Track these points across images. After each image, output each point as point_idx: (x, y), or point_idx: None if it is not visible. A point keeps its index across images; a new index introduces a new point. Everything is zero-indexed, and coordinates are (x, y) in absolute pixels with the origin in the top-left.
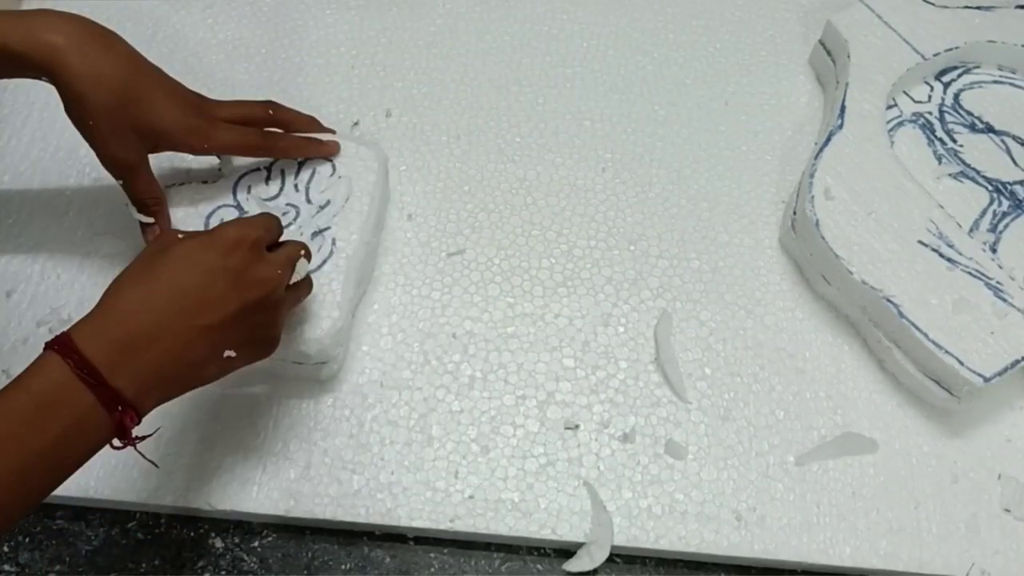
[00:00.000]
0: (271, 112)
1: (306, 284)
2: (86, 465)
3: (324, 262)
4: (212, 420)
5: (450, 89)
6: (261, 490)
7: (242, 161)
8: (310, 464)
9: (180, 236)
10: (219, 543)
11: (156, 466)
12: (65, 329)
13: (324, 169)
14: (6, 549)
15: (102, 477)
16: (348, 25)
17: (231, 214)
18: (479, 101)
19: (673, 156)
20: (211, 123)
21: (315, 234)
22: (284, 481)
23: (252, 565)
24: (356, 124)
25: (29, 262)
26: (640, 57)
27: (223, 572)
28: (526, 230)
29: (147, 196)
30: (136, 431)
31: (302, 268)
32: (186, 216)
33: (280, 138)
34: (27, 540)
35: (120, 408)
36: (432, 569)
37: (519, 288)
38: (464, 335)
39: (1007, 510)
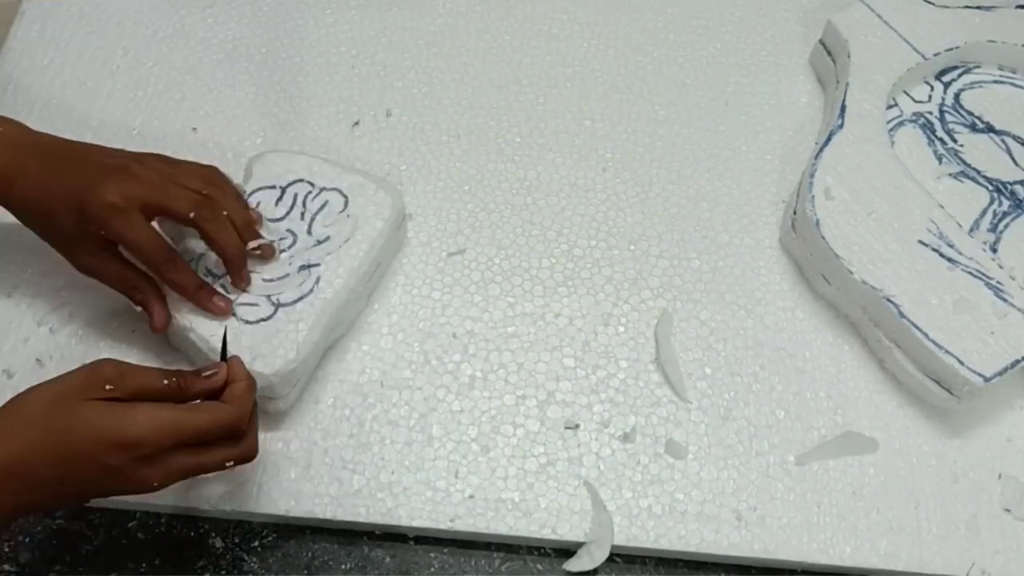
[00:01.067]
0: (205, 193)
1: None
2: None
3: (300, 298)
4: None
5: (450, 89)
6: (261, 490)
7: (259, 178)
8: (310, 464)
9: (107, 387)
10: (219, 543)
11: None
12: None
13: (336, 203)
14: (6, 549)
15: None
16: (348, 25)
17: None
18: (479, 101)
19: (673, 156)
20: (161, 183)
21: (302, 268)
22: (284, 481)
23: (252, 565)
24: (356, 124)
25: (31, 261)
26: (640, 57)
27: (223, 572)
28: (526, 230)
29: (122, 287)
30: None
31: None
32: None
33: (183, 274)
34: (27, 540)
35: None
36: (432, 569)
37: (519, 288)
38: (464, 335)
39: (1007, 510)
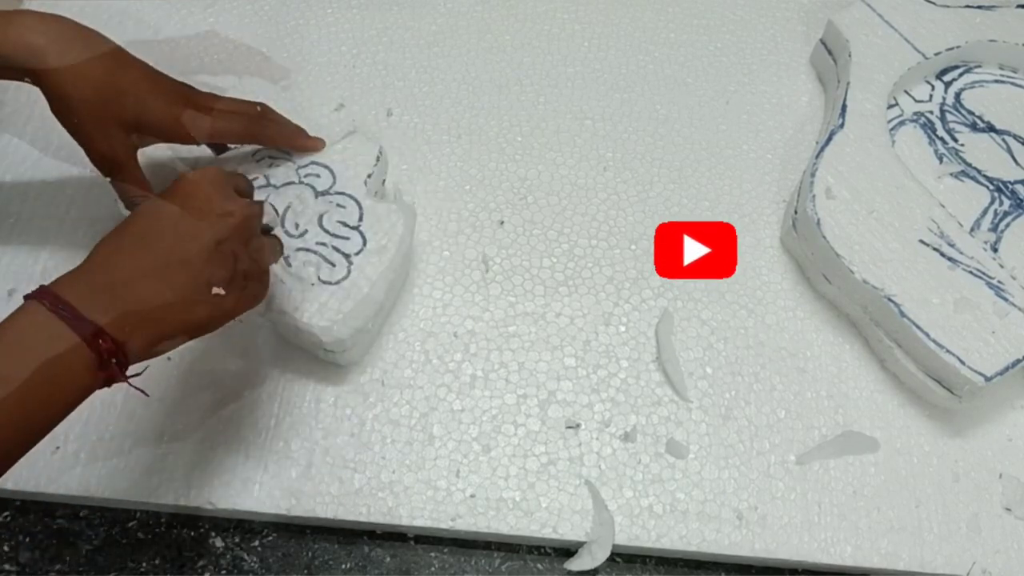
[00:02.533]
0: (259, 109)
1: (279, 241)
2: (87, 464)
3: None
4: (213, 419)
5: (451, 88)
6: (262, 489)
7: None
8: (311, 463)
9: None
10: (219, 542)
11: (146, 395)
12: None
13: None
14: (7, 548)
15: (103, 476)
16: (349, 24)
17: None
18: (480, 100)
19: (674, 155)
20: (198, 112)
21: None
22: (285, 480)
23: (252, 564)
24: (354, 122)
25: (31, 262)
26: (641, 56)
27: (223, 571)
28: (527, 229)
29: (135, 193)
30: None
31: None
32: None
33: (268, 125)
34: (27, 539)
35: (101, 341)
36: (432, 568)
37: (520, 287)
38: (465, 334)
39: (1008, 509)
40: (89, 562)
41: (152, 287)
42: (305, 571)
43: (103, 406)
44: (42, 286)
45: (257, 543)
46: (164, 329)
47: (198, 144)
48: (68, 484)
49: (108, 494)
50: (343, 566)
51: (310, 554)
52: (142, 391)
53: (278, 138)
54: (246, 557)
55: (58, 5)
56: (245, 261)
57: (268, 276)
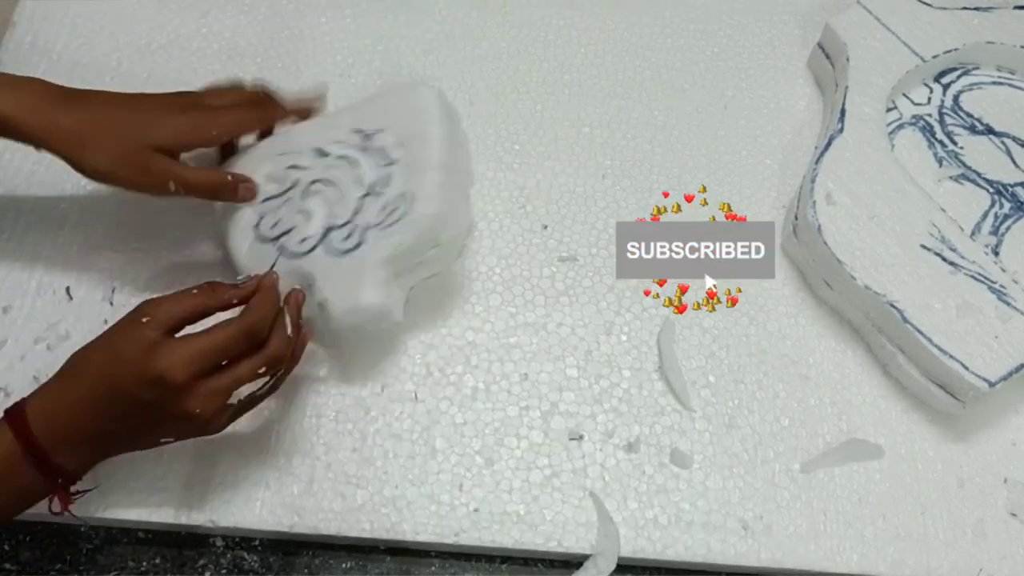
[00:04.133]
0: (261, 92)
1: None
2: (86, 482)
3: (394, 222)
4: (215, 437)
5: (447, 96)
6: (264, 506)
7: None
8: (313, 479)
9: (143, 320)
10: (220, 542)
11: (83, 527)
12: (23, 399)
13: (384, 135)
14: (7, 548)
15: (103, 496)
16: (344, 33)
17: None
18: (476, 109)
19: (673, 162)
20: (211, 111)
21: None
22: (287, 497)
23: (253, 564)
24: None
25: (25, 277)
26: (638, 62)
27: (224, 571)
28: (527, 238)
29: (200, 182)
30: (78, 487)
31: (243, 391)
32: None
33: (276, 106)
34: (28, 539)
35: (60, 480)
36: (432, 568)
37: (520, 298)
38: (466, 346)
39: (1013, 514)
40: (90, 561)
41: (110, 439)
42: (305, 571)
43: None
44: (19, 411)
45: (257, 542)
46: (113, 454)
47: (219, 143)
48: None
49: (108, 513)
50: (343, 566)
51: (310, 554)
52: (84, 522)
53: (281, 115)
54: (246, 557)
55: (50, 17)
56: (198, 430)
57: (222, 427)
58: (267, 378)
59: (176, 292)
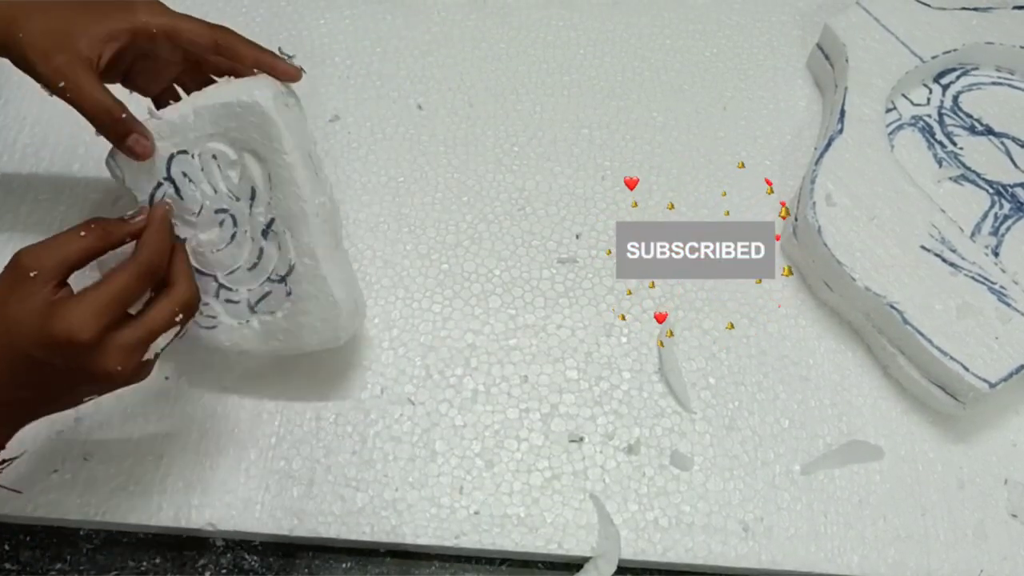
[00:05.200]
0: (218, 43)
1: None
2: (86, 488)
3: (291, 267)
4: (214, 439)
5: (446, 98)
6: (264, 510)
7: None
8: (313, 482)
9: (31, 275)
10: (220, 542)
11: (18, 492)
12: None
13: (224, 151)
14: (7, 548)
15: (102, 499)
16: (343, 35)
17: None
18: (476, 110)
19: (672, 163)
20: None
21: (264, 232)
22: (287, 500)
23: (253, 564)
24: (349, 133)
25: None
26: (637, 63)
27: (224, 571)
28: (526, 240)
29: (103, 101)
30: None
31: (161, 342)
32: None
33: (236, 39)
34: (28, 538)
35: None
36: (432, 568)
37: (520, 300)
38: (466, 348)
39: (1014, 515)
40: (90, 561)
41: (15, 399)
42: (305, 571)
43: (100, 427)
44: None
45: (258, 542)
46: (30, 420)
47: (154, 44)
48: (67, 508)
49: (108, 517)
50: (343, 565)
51: (310, 554)
52: (15, 491)
53: (247, 55)
54: (246, 556)
55: None
56: (129, 330)
57: (139, 370)
58: (179, 327)
59: (58, 235)
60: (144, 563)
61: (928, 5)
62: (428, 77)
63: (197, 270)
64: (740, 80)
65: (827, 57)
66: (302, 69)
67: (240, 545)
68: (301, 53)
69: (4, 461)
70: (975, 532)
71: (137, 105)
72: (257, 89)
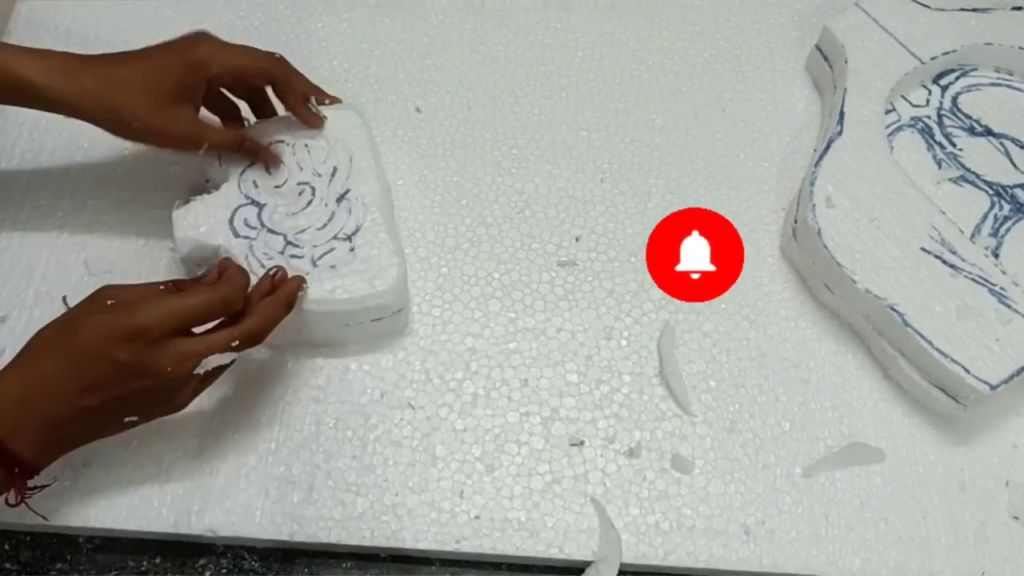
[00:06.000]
0: (273, 72)
1: (215, 372)
2: (85, 494)
3: (359, 227)
4: (214, 445)
5: (445, 101)
6: (264, 515)
7: (231, 166)
8: (313, 487)
9: (109, 302)
10: (220, 541)
11: (45, 519)
12: None
13: (316, 142)
14: (7, 547)
15: (102, 506)
16: (340, 38)
17: (252, 212)
18: (474, 113)
19: (671, 165)
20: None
21: (339, 199)
22: (287, 505)
23: (253, 563)
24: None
25: (22, 287)
26: (636, 65)
27: (224, 571)
28: (525, 243)
29: (229, 141)
30: (34, 481)
31: (212, 361)
32: (210, 228)
33: (292, 72)
34: (28, 538)
35: (17, 470)
36: (433, 567)
37: (520, 303)
38: (466, 352)
39: (1016, 517)
40: (90, 561)
41: (70, 419)
42: (306, 570)
43: None
44: None
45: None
46: (75, 446)
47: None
48: (67, 515)
49: (108, 524)
50: (343, 565)
51: (310, 554)
52: (43, 517)
53: (291, 99)
54: (246, 556)
55: (44, 26)
56: (160, 402)
57: (186, 403)
58: (236, 353)
59: (139, 284)
60: (144, 563)
61: (927, 6)
62: (426, 80)
63: (268, 229)
64: (739, 82)
65: (826, 59)
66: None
67: (240, 545)
68: (299, 56)
69: (36, 487)
70: (976, 534)
71: None
72: (353, 108)
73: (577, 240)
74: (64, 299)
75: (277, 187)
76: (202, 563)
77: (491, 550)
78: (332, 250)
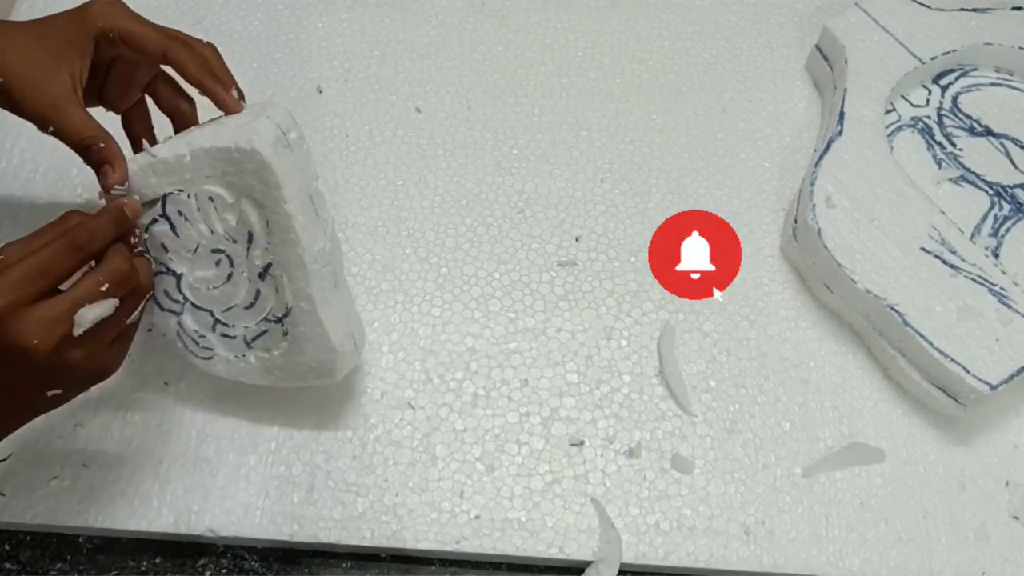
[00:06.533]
0: (167, 56)
1: (125, 309)
2: (86, 495)
3: (288, 310)
4: (213, 445)
5: (445, 101)
6: (264, 515)
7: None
8: (313, 487)
9: None
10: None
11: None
12: None
13: (221, 197)
14: (7, 547)
15: (102, 506)
16: (340, 38)
17: (170, 282)
18: (474, 113)
19: (671, 165)
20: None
21: (261, 275)
22: (287, 505)
23: (253, 563)
24: (347, 137)
25: None
26: (636, 65)
27: (224, 570)
28: (525, 243)
29: (86, 133)
30: None
31: (87, 314)
32: None
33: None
34: (28, 538)
35: None
36: (433, 568)
37: (520, 303)
38: (466, 352)
39: (1016, 517)
40: (90, 561)
41: None
42: (306, 570)
43: (99, 434)
44: None
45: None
46: (8, 429)
47: (116, 49)
48: (66, 515)
49: (107, 524)
50: (343, 565)
51: (311, 553)
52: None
53: (191, 77)
54: (246, 556)
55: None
56: (69, 371)
57: (109, 365)
58: (116, 300)
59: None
60: (144, 563)
61: (927, 6)
62: (426, 80)
63: (192, 303)
64: (739, 82)
65: (826, 58)
66: (243, 101)
67: (240, 545)
68: (299, 56)
69: None
70: (977, 534)
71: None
72: (256, 135)
73: (577, 240)
74: None
75: (190, 253)
76: (202, 563)
77: (491, 550)
78: (265, 332)
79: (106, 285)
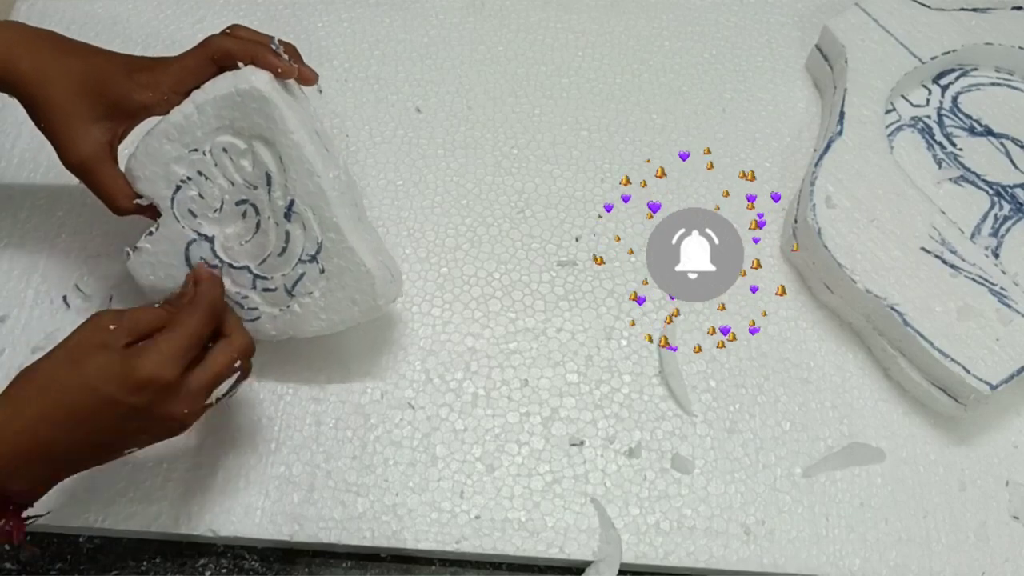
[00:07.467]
0: (214, 59)
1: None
2: (85, 493)
3: (320, 246)
4: (214, 445)
5: (445, 101)
6: (264, 515)
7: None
8: (313, 487)
9: (111, 327)
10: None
11: (37, 551)
12: None
13: (233, 144)
14: (7, 547)
15: (101, 506)
16: (340, 38)
17: (204, 247)
18: (475, 113)
19: (672, 165)
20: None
21: (287, 215)
22: (288, 505)
23: (253, 563)
24: (347, 137)
25: (22, 287)
26: (636, 65)
27: (224, 570)
28: (526, 243)
29: (118, 192)
30: (29, 512)
31: (224, 387)
32: (168, 272)
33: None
34: (28, 537)
35: (11, 508)
36: (433, 567)
37: (520, 303)
38: (466, 352)
39: (1016, 517)
40: (90, 561)
41: (68, 460)
42: (306, 570)
43: None
44: None
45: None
46: (68, 476)
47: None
48: (67, 516)
49: (107, 524)
50: (344, 565)
51: (311, 553)
52: (36, 550)
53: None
54: (247, 555)
55: (45, 23)
56: (167, 434)
57: (188, 426)
58: (239, 372)
59: (136, 309)
60: (144, 563)
61: (927, 6)
62: (426, 80)
63: (229, 265)
64: (739, 82)
65: (826, 58)
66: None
67: (240, 545)
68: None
69: (30, 518)
70: (977, 534)
71: None
72: (253, 74)
73: (577, 240)
74: (64, 299)
75: (216, 212)
76: (202, 563)
77: (491, 550)
78: (302, 275)
79: (238, 361)
